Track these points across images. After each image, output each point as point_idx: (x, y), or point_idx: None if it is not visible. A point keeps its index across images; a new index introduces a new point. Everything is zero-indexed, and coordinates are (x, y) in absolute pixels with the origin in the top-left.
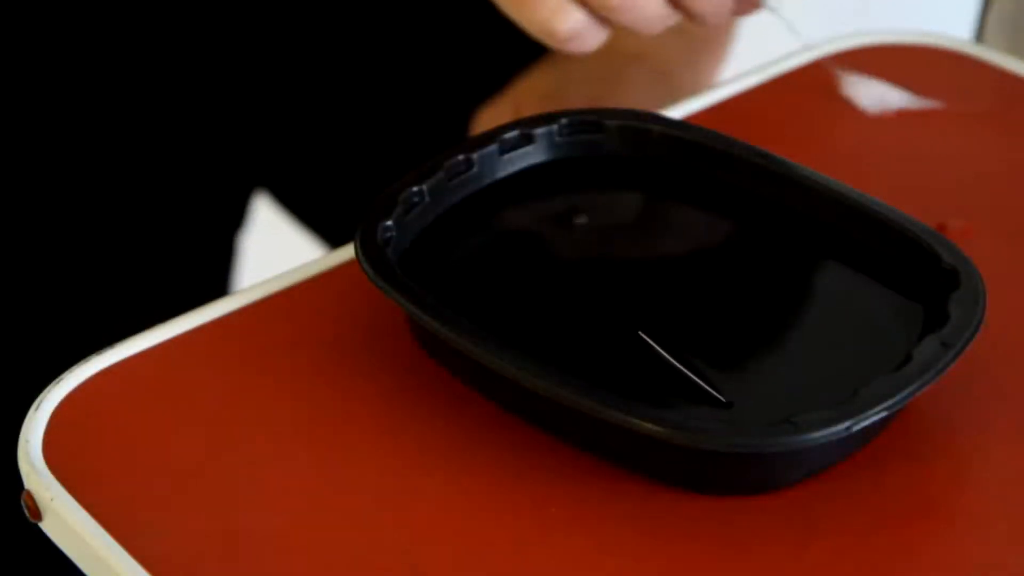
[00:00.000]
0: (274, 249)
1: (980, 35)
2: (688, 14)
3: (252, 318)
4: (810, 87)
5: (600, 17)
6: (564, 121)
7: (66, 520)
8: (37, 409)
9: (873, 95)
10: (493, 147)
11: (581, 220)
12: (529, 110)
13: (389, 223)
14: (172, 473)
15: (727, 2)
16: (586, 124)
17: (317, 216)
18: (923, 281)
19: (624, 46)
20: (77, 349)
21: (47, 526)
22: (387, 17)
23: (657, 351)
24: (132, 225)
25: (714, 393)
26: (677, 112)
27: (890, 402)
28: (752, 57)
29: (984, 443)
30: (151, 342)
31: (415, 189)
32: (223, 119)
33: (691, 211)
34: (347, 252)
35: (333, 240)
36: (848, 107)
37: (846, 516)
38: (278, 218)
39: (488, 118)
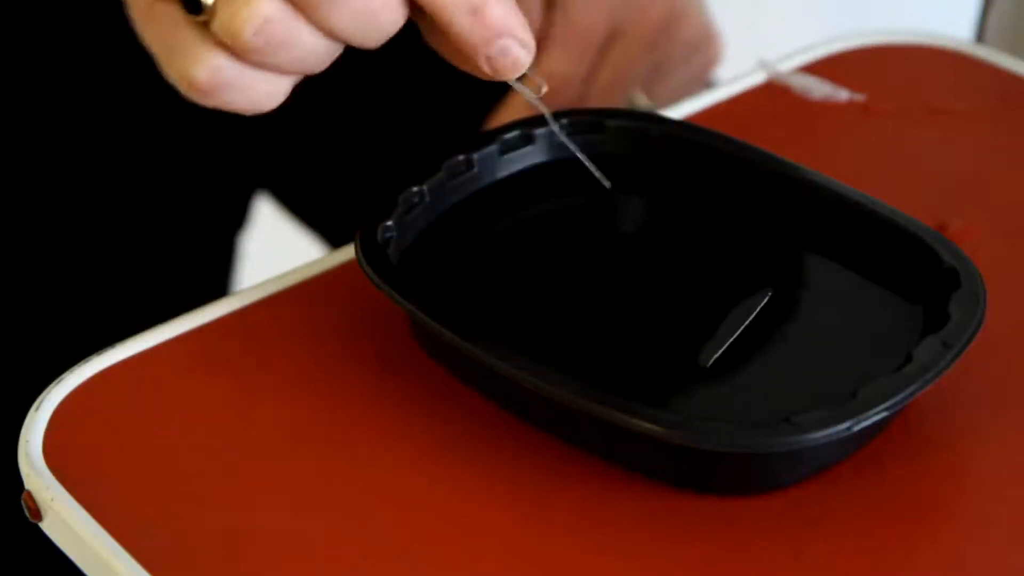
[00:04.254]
0: (274, 249)
1: (980, 35)
2: (347, 42)
3: (252, 318)
4: None
5: (252, 63)
6: (564, 121)
7: (66, 520)
8: (37, 409)
9: (821, 89)
10: (493, 147)
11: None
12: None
13: (389, 223)
14: (172, 473)
15: (383, 19)
16: (586, 124)
17: (318, 216)
18: (923, 281)
19: None
20: (77, 349)
21: (47, 526)
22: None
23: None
24: (133, 225)
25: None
26: (677, 112)
27: (890, 402)
28: (752, 57)
29: (984, 443)
30: (151, 342)
31: (415, 189)
32: (225, 119)
33: (691, 211)
34: (347, 252)
35: (334, 240)
36: (848, 107)
37: (846, 516)
38: (279, 218)
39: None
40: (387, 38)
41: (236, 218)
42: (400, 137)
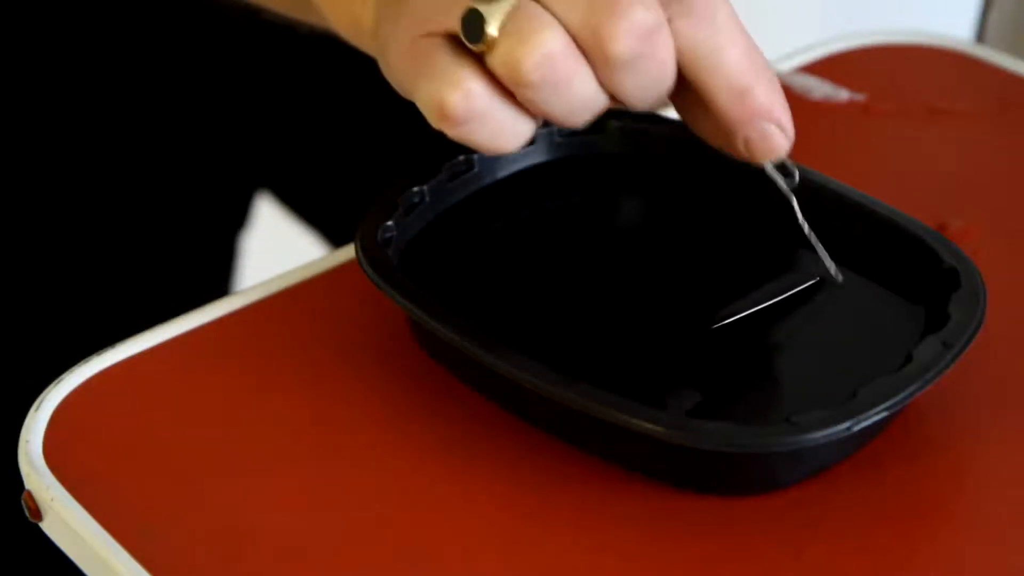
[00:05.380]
0: (275, 249)
1: (980, 35)
2: (620, 98)
3: (252, 318)
4: None
5: (512, 100)
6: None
7: (66, 520)
8: (37, 409)
9: (821, 89)
10: None
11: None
12: None
13: (389, 223)
14: (172, 473)
15: (662, 86)
16: (586, 124)
17: (319, 215)
18: (923, 281)
19: None
20: (77, 349)
21: (47, 526)
22: None
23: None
24: (134, 225)
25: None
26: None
27: (891, 402)
28: None
29: (984, 443)
30: (151, 342)
31: (415, 189)
32: (226, 119)
33: (691, 211)
34: (347, 252)
35: (335, 240)
36: (848, 107)
37: (846, 516)
38: (280, 218)
39: None
40: (654, 106)
41: (237, 218)
42: (400, 137)
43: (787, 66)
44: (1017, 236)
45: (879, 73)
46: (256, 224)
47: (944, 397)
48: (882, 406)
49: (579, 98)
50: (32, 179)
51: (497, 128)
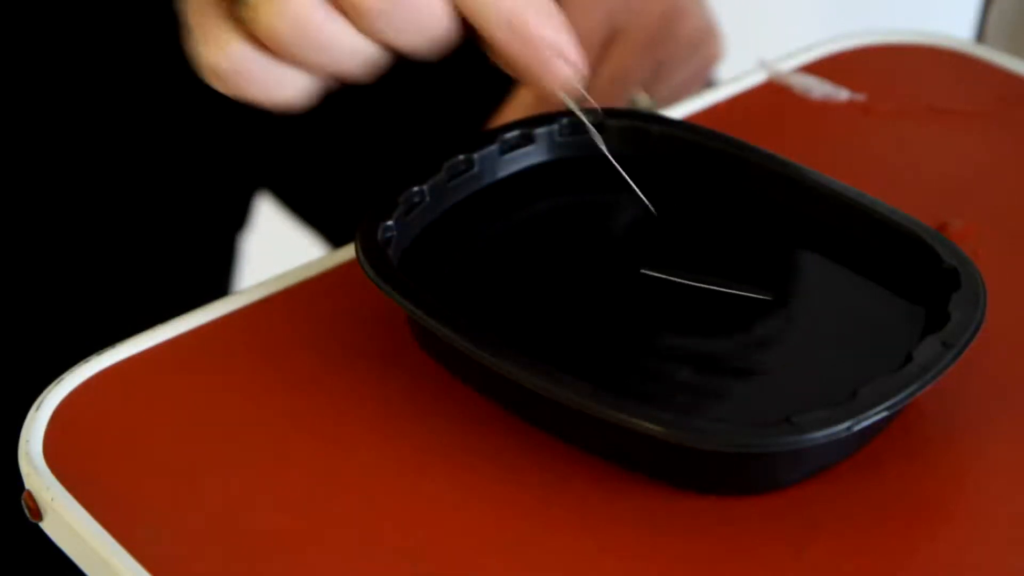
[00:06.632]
0: (275, 249)
1: (980, 35)
2: (391, 47)
3: (252, 318)
4: None
5: (279, 55)
6: (564, 121)
7: (66, 520)
8: (37, 409)
9: (821, 89)
10: (493, 147)
11: None
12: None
13: (389, 223)
14: (172, 473)
15: (431, 31)
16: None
17: (319, 215)
18: (923, 281)
19: None
20: (77, 349)
21: (47, 526)
22: None
23: (669, 279)
24: (133, 225)
25: (754, 295)
26: (677, 112)
27: (891, 402)
28: (752, 57)
29: (984, 443)
30: (151, 342)
31: (415, 189)
32: (226, 119)
33: (691, 211)
34: (347, 252)
35: (335, 240)
36: (848, 107)
37: (846, 516)
38: (279, 218)
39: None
40: (439, 49)
41: (237, 218)
42: (400, 137)
43: (787, 66)
44: (1017, 236)
45: (879, 73)
46: (256, 224)
47: (944, 397)
48: (882, 406)
49: (345, 52)
50: (32, 179)
51: (268, 84)
